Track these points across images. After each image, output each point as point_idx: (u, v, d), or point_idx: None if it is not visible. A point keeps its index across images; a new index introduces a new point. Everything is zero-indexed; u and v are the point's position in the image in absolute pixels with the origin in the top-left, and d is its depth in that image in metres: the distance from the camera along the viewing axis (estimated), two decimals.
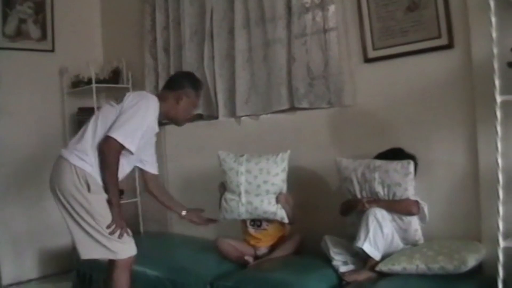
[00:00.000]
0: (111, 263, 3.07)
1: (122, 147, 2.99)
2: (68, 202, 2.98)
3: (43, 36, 5.01)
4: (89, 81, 4.89)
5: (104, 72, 5.17)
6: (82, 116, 5.00)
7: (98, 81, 4.92)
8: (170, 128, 4.74)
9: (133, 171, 3.47)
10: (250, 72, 4.01)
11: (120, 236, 3.00)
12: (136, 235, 4.93)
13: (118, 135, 2.96)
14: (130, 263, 3.08)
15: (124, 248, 3.04)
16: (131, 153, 3.05)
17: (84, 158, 3.00)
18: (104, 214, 2.99)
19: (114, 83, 5.07)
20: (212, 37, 4.23)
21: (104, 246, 2.98)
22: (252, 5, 3.95)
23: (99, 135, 3.03)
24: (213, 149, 4.35)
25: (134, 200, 5.06)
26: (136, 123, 3.02)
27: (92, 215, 2.96)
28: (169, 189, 4.80)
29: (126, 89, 5.05)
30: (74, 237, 3.02)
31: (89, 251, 3.01)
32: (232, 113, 4.13)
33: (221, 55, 4.20)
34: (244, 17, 4.01)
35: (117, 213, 3.02)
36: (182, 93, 3.25)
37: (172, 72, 4.52)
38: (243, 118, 4.16)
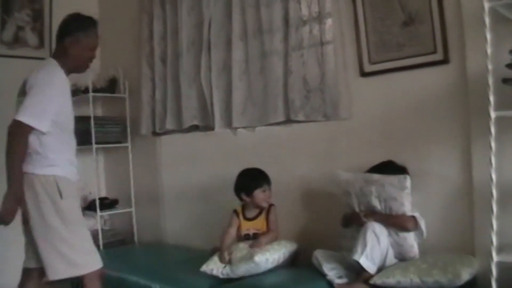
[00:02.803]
0: (81, 281, 3.00)
1: (30, 129, 2.82)
2: (39, 217, 2.88)
3: (41, 44, 5.01)
4: (86, 90, 4.89)
5: (100, 81, 5.17)
6: (78, 125, 4.99)
7: (95, 90, 4.92)
8: (166, 139, 4.77)
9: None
10: (247, 84, 4.01)
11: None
12: (131, 245, 4.99)
13: (23, 117, 2.80)
14: (98, 275, 3.02)
15: (90, 261, 2.98)
16: (43, 133, 2.87)
17: (48, 163, 2.91)
18: (76, 220, 2.96)
19: (110, 92, 5.08)
20: (209, 47, 4.23)
21: (71, 261, 2.89)
22: (250, 17, 3.96)
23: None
24: (209, 160, 4.38)
25: (129, 210, 5.07)
26: (42, 101, 2.85)
27: (65, 223, 2.88)
28: (164, 199, 4.85)
29: (123, 99, 5.08)
30: (44, 257, 2.90)
31: (57, 271, 2.91)
32: (228, 124, 4.12)
33: (218, 66, 4.20)
34: (241, 29, 4.01)
35: (9, 202, 2.82)
36: (68, 41, 3.02)
37: (169, 83, 4.54)
38: (239, 129, 4.16)
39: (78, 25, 3.07)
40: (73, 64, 3.07)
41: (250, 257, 3.27)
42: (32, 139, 2.89)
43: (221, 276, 3.36)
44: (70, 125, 3.10)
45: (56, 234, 2.88)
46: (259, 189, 3.57)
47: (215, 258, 3.42)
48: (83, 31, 3.06)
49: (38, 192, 2.88)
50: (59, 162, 2.94)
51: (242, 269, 3.31)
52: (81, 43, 3.05)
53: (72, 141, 3.13)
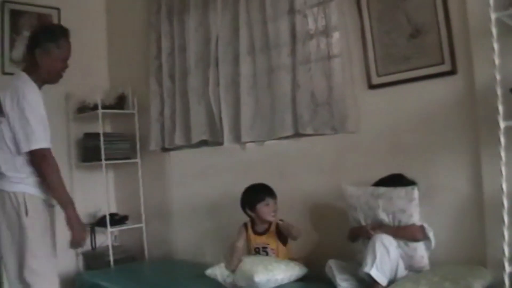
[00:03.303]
0: None
1: (49, 151, 2.87)
2: (6, 231, 2.88)
3: None
4: (95, 107, 4.93)
5: (109, 97, 5.21)
6: (88, 142, 5.04)
7: (104, 107, 4.96)
8: (176, 155, 4.79)
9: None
10: (255, 98, 4.03)
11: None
12: (141, 261, 4.99)
13: (41, 143, 2.83)
14: None
15: (43, 284, 2.87)
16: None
17: (19, 181, 2.88)
18: (38, 240, 2.85)
19: (119, 109, 5.11)
20: (217, 63, 4.26)
21: (22, 280, 2.82)
22: (257, 32, 3.98)
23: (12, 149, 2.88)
24: (218, 175, 4.38)
25: (139, 225, 5.08)
26: (41, 122, 2.86)
27: (26, 240, 2.82)
28: (174, 214, 4.85)
29: (132, 115, 5.10)
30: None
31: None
32: (237, 139, 4.13)
33: (226, 81, 4.22)
34: (249, 44, 4.04)
35: (77, 225, 2.89)
36: (39, 53, 2.96)
37: (177, 98, 4.56)
38: (247, 144, 4.17)
39: (48, 35, 3.01)
40: (45, 76, 3.02)
41: (250, 276, 3.24)
42: (6, 157, 2.89)
43: (223, 284, 3.41)
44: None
45: (16, 249, 2.86)
46: (262, 203, 3.57)
47: (222, 264, 3.46)
48: (54, 42, 3.00)
49: (6, 209, 2.86)
50: (30, 180, 2.89)
51: (242, 283, 3.32)
52: (52, 54, 2.99)
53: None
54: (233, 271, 3.40)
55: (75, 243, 2.92)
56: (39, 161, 2.85)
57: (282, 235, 3.58)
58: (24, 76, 2.96)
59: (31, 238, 2.83)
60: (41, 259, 2.87)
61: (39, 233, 2.87)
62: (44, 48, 2.96)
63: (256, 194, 3.62)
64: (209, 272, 3.46)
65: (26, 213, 2.83)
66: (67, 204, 2.90)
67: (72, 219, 2.90)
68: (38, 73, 2.98)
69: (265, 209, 3.57)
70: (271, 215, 3.58)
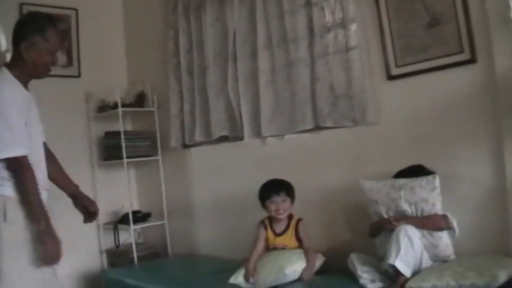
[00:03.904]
0: None
1: (24, 158, 2.58)
2: None
3: (69, 62, 5.09)
4: (115, 106, 4.96)
5: (129, 96, 5.24)
6: (109, 140, 5.08)
7: (124, 105, 4.99)
8: (196, 151, 4.81)
9: None
10: (274, 93, 4.02)
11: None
12: (165, 257, 5.02)
13: (12, 150, 2.56)
14: None
15: None
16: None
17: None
18: (16, 249, 2.56)
19: (139, 107, 5.14)
20: (235, 58, 4.26)
21: None
22: (274, 26, 3.98)
23: None
24: (239, 170, 4.39)
25: (162, 222, 5.11)
26: (6, 126, 2.57)
27: (5, 251, 2.56)
28: (196, 210, 4.86)
29: (152, 112, 5.13)
30: None
31: None
32: (257, 133, 4.13)
33: (245, 76, 4.22)
34: (266, 38, 4.04)
35: (48, 241, 2.57)
36: (24, 46, 2.67)
37: (196, 95, 4.57)
38: (268, 138, 4.17)
39: (34, 26, 2.71)
40: (30, 70, 2.74)
41: (280, 269, 3.28)
42: None
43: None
44: (33, 141, 2.76)
45: None
46: (269, 200, 3.54)
47: (242, 272, 3.44)
48: (40, 33, 2.70)
49: None
50: (12, 182, 2.61)
51: (270, 279, 3.33)
52: (38, 47, 2.70)
53: (36, 158, 2.76)
54: (248, 279, 3.39)
55: (48, 259, 2.61)
56: (13, 170, 2.60)
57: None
58: (3, 73, 2.69)
59: (8, 245, 2.57)
60: (19, 267, 2.58)
61: (20, 240, 2.59)
62: (30, 41, 2.68)
63: (264, 192, 3.59)
64: (232, 281, 3.43)
65: (5, 218, 2.57)
66: (41, 218, 2.59)
67: (46, 233, 2.59)
68: (22, 68, 2.71)
69: (271, 207, 3.53)
70: (277, 212, 3.52)
